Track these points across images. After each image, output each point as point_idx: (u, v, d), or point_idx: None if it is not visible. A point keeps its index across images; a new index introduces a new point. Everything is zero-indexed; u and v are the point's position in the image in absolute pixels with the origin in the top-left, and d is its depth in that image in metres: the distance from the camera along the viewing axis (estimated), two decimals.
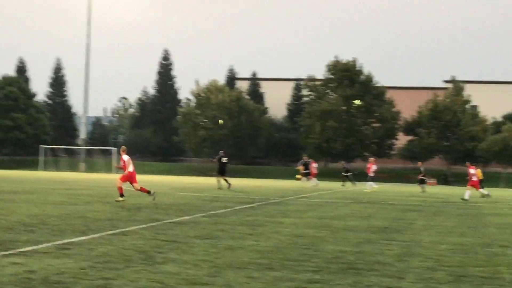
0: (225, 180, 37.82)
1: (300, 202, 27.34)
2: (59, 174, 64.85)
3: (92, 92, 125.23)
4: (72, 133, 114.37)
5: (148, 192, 23.15)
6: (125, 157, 23.29)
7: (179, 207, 21.47)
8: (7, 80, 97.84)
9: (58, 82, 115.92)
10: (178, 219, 17.00)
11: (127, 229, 14.15)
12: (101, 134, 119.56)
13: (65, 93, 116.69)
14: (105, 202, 22.63)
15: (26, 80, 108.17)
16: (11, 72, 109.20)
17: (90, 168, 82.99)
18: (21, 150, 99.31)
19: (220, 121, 26.16)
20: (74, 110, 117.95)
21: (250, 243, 12.44)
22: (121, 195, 22.62)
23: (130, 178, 23.09)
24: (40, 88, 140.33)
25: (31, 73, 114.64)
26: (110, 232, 13.51)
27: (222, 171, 38.32)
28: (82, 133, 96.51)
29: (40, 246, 11.09)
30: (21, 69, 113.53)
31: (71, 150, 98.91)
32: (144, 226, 14.91)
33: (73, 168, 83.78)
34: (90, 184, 39.92)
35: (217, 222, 16.49)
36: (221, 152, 40.37)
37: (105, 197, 25.64)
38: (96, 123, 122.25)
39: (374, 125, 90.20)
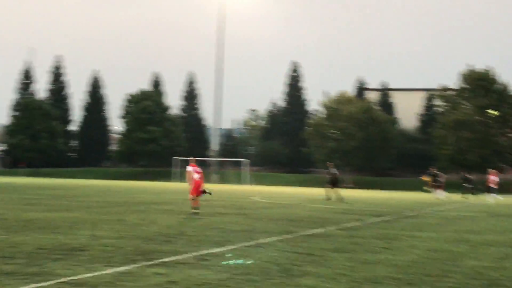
0: (336, 192, 37.65)
1: (434, 215, 26.65)
2: None
3: (224, 104, 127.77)
4: (204, 145, 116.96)
5: (204, 191, 22.78)
6: (188, 168, 22.86)
7: (311, 219, 21.45)
8: (144, 95, 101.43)
9: (191, 95, 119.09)
10: (312, 231, 16.98)
11: (263, 241, 14.28)
12: (232, 145, 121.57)
13: (197, 106, 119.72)
14: (240, 213, 22.94)
15: (161, 94, 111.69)
16: (148, 86, 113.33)
17: (222, 179, 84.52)
18: (156, 162, 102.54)
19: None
20: (206, 122, 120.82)
21: (386, 257, 12.24)
22: (196, 208, 22.12)
23: (199, 188, 22.45)
24: (174, 101, 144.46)
25: (166, 87, 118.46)
26: (246, 243, 13.67)
27: (333, 183, 38.29)
28: (214, 145, 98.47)
29: (180, 256, 11.37)
30: (157, 83, 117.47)
31: (204, 161, 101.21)
32: (279, 238, 14.99)
33: (206, 179, 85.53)
34: (223, 195, 40.63)
35: (352, 235, 16.34)
36: (330, 164, 40.77)
37: (239, 208, 26.00)
38: (227, 135, 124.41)
39: (511, 135, 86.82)
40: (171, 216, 20.46)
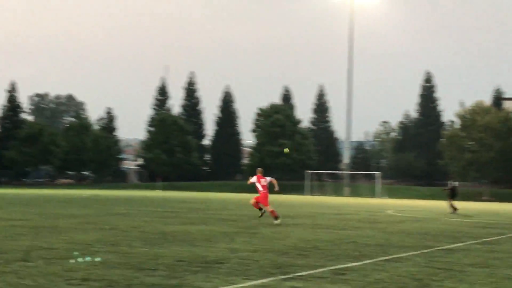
0: (452, 204, 37.75)
1: None
2: (324, 199, 66.32)
3: (354, 116, 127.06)
4: (336, 158, 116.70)
5: (260, 209, 23.55)
6: (253, 179, 23.74)
7: (448, 233, 20.85)
8: (274, 108, 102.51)
9: (321, 108, 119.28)
10: (450, 246, 16.48)
11: (400, 255, 14.00)
12: (364, 158, 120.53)
13: (328, 118, 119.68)
14: (374, 227, 22.63)
15: (292, 107, 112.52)
16: (278, 100, 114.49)
17: (354, 193, 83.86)
18: (287, 175, 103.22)
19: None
20: (337, 135, 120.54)
21: None
22: (276, 218, 22.73)
23: (266, 197, 23.43)
24: (304, 114, 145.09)
25: (295, 100, 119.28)
26: (382, 258, 13.45)
27: (452, 195, 38.62)
28: (346, 158, 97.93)
29: (316, 270, 11.33)
30: (287, 97, 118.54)
31: (335, 174, 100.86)
32: (416, 252, 14.65)
33: (338, 192, 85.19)
34: (357, 208, 40.25)
35: (492, 250, 15.73)
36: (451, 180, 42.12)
37: (373, 222, 25.66)
38: (359, 148, 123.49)
39: None
40: (305, 230, 20.46)
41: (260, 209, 23.72)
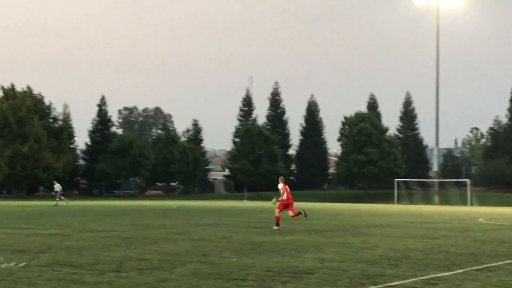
0: None
1: None
2: (413, 207, 65.30)
3: (443, 123, 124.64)
4: (424, 166, 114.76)
5: (300, 213, 24.50)
6: (280, 185, 25.02)
7: None
8: (360, 116, 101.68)
9: (408, 116, 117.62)
10: None
11: (492, 264, 13.68)
12: (453, 165, 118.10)
13: (415, 126, 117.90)
14: (465, 236, 22.14)
15: (378, 115, 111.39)
16: (363, 108, 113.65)
17: (444, 201, 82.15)
18: (374, 184, 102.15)
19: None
20: (425, 142, 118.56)
21: None
22: (277, 224, 24.27)
23: (284, 206, 24.59)
24: (391, 122, 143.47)
25: (382, 108, 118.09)
26: (474, 267, 13.16)
27: None
28: (434, 166, 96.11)
29: (407, 281, 11.20)
30: (372, 105, 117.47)
31: (424, 182, 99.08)
32: (510, 261, 14.28)
33: (427, 201, 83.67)
34: (447, 217, 39.45)
35: None
36: None
37: (464, 230, 25.11)
38: (448, 155, 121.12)
39: None
40: (395, 239, 20.21)
41: (300, 213, 24.71)
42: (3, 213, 38.67)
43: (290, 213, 24.83)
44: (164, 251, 15.72)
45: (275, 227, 24.20)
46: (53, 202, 60.25)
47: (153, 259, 13.93)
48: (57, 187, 60.53)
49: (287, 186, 25.15)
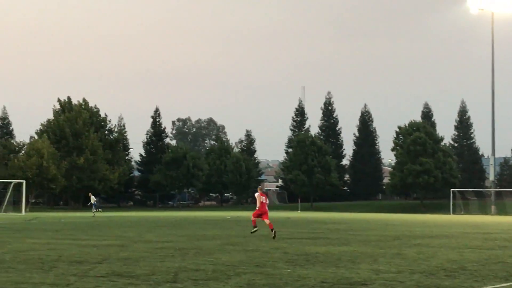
0: None
1: None
2: (469, 218, 64.25)
3: (499, 132, 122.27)
4: (480, 175, 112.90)
5: (272, 228, 24.87)
6: (256, 194, 26.32)
7: None
8: (414, 126, 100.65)
9: (463, 125, 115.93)
10: None
11: None
12: (510, 175, 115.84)
13: (471, 135, 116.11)
14: None
15: (432, 124, 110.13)
16: (418, 117, 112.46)
17: (501, 211, 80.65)
18: (430, 194, 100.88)
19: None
20: (481, 151, 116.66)
21: None
22: (254, 227, 26.29)
23: (258, 215, 25.96)
24: (446, 131, 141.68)
25: (436, 117, 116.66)
26: None
27: None
28: (491, 175, 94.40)
29: None
30: (427, 114, 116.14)
31: (480, 192, 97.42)
32: None
33: (483, 211, 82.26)
34: (504, 227, 38.71)
35: None
36: None
37: None
38: (504, 164, 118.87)
39: None
40: (451, 250, 19.93)
41: (272, 229, 25.11)
42: (60, 224, 39.39)
43: (266, 221, 25.66)
44: (218, 261, 15.80)
45: (253, 230, 26.24)
46: (99, 213, 61.64)
47: (208, 270, 14.01)
48: (92, 199, 62.00)
49: (263, 196, 26.35)
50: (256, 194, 26.55)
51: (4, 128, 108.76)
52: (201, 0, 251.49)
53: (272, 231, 24.83)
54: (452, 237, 27.39)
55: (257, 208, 26.20)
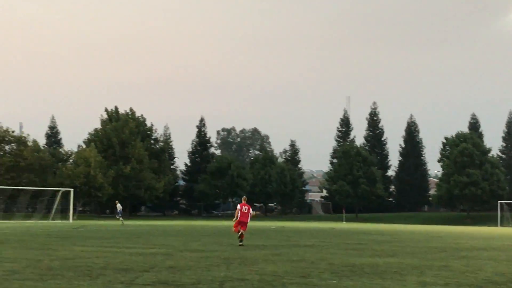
0: None
1: None
2: None
3: None
4: None
5: (240, 239, 25.78)
6: (238, 206, 26.48)
7: None
8: (461, 137, 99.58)
9: (511, 136, 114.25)
10: None
11: None
12: None
13: None
14: None
15: (480, 135, 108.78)
16: (465, 128, 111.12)
17: None
18: (476, 205, 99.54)
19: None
20: None
21: None
22: (239, 238, 26.03)
23: (237, 225, 26.16)
24: (493, 143, 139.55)
25: (484, 128, 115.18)
26: None
27: None
28: None
29: None
30: (474, 125, 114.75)
31: None
32: None
33: None
34: None
35: None
36: None
37: None
38: None
39: None
40: (499, 263, 19.60)
41: (241, 240, 25.81)
42: (107, 232, 39.83)
43: (242, 231, 26.15)
44: (263, 271, 15.79)
45: (239, 243, 25.72)
46: (120, 222, 62.11)
47: (253, 280, 14.01)
48: (118, 207, 62.64)
49: (244, 207, 26.36)
50: (238, 207, 26.63)
51: (52, 137, 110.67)
52: (253, 11, 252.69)
53: (240, 241, 25.73)
54: (500, 249, 26.95)
55: (235, 219, 26.37)
